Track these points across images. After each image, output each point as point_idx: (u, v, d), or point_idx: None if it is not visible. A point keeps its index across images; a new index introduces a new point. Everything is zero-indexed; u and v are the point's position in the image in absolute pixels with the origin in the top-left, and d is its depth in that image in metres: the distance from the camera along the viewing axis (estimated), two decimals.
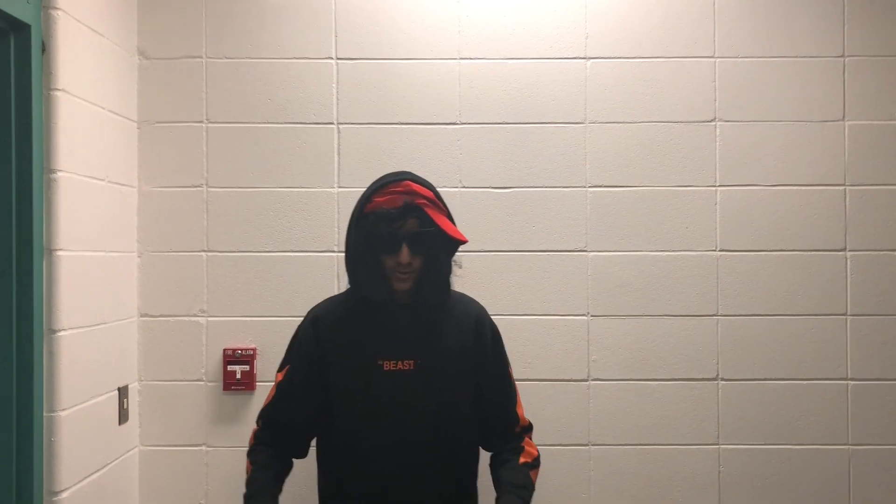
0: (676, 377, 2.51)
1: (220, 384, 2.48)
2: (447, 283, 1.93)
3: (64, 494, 1.99)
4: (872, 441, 2.50)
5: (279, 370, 1.97)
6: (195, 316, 2.49)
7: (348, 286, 1.94)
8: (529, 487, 1.88)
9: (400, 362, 1.86)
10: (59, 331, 1.98)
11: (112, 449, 2.29)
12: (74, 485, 2.04)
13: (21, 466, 1.90)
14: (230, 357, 2.47)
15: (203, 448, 2.48)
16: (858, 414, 2.50)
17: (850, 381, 2.50)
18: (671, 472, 2.50)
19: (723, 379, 2.50)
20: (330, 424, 1.91)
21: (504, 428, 1.97)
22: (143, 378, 2.48)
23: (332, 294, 2.45)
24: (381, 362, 1.86)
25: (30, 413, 1.91)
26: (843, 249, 2.51)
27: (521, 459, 1.92)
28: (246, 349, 2.48)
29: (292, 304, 2.50)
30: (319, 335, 1.92)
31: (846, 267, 2.51)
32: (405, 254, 1.80)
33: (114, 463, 2.29)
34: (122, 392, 2.35)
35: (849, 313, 2.50)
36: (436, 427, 1.85)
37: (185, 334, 2.49)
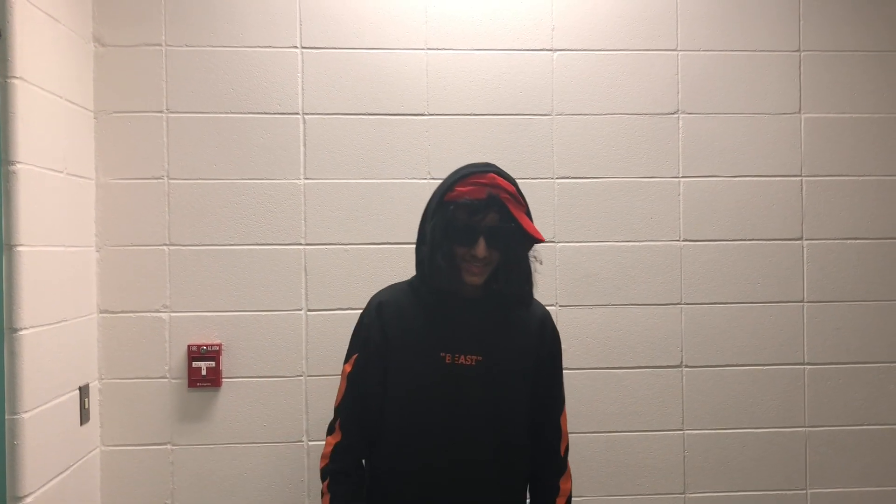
0: (642, 365, 2.55)
1: (185, 381, 2.42)
2: (531, 282, 1.88)
3: (28, 499, 1.92)
4: (827, 422, 2.59)
5: (346, 361, 1.89)
6: (157, 312, 2.42)
7: (414, 274, 1.89)
8: None
9: (463, 357, 1.81)
10: (21, 329, 1.90)
11: (74, 450, 2.21)
12: (38, 489, 1.97)
13: None
14: (195, 353, 2.41)
15: (168, 447, 2.42)
16: (814, 397, 2.59)
17: (806, 366, 2.59)
18: (638, 458, 2.55)
19: (687, 366, 2.56)
20: (386, 409, 1.84)
21: (548, 440, 1.93)
22: (104, 376, 2.40)
23: (302, 286, 2.44)
24: (443, 355, 1.80)
25: None
26: (801, 238, 2.59)
27: (559, 500, 1.91)
28: (211, 345, 2.42)
29: (258, 299, 2.45)
30: (384, 321, 1.85)
31: (803, 255, 2.59)
32: (482, 247, 1.75)
33: (76, 465, 2.21)
34: (84, 391, 2.27)
35: (805, 300, 2.59)
36: (492, 424, 1.81)
37: (147, 331, 2.42)
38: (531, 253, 1.88)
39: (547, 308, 1.99)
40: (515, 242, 1.80)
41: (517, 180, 2.42)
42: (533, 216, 2.46)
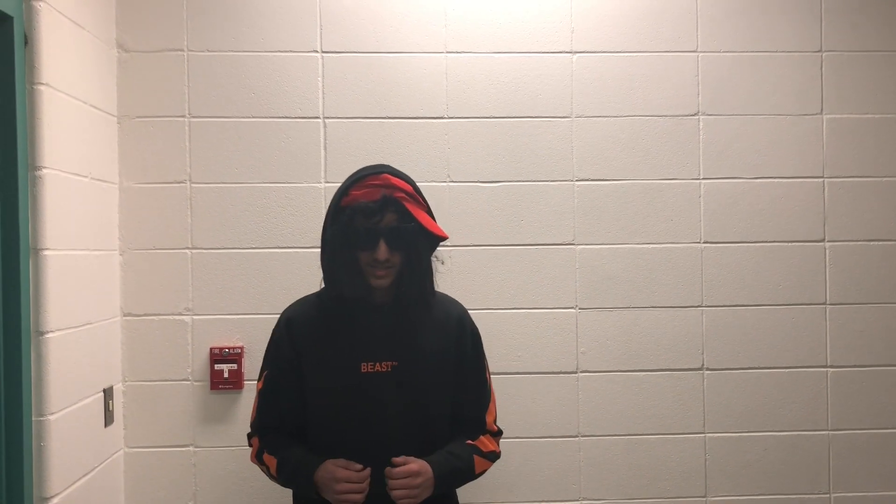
0: (663, 368, 2.54)
1: (207, 383, 2.44)
2: (429, 281, 1.88)
3: (54, 500, 1.93)
4: (851, 426, 2.57)
5: (258, 378, 1.93)
6: (180, 314, 2.45)
7: (322, 285, 1.90)
8: (463, 459, 1.85)
9: (378, 364, 1.81)
10: (47, 332, 1.93)
11: (98, 452, 2.24)
12: (64, 490, 1.99)
13: (11, 472, 1.84)
14: (217, 356, 2.43)
15: (191, 448, 2.44)
16: (837, 400, 2.57)
17: (829, 369, 2.57)
18: (659, 461, 2.54)
19: (708, 369, 2.55)
20: (305, 426, 1.87)
21: (471, 432, 1.92)
22: (127, 379, 2.43)
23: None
24: (359, 364, 1.81)
25: (19, 418, 1.85)
26: (823, 240, 2.57)
27: (469, 441, 1.88)
28: (233, 348, 2.44)
29: (280, 302, 2.43)
30: (294, 337, 1.87)
31: (825, 257, 2.57)
32: (383, 250, 1.75)
33: (101, 466, 2.24)
34: (108, 393, 2.29)
35: (828, 302, 2.57)
36: (415, 428, 1.82)
37: (170, 333, 2.44)
38: (434, 254, 1.88)
39: (463, 305, 1.99)
40: (417, 242, 1.79)
41: (537, 182, 2.45)
42: (552, 219, 2.50)
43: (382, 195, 1.76)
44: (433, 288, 1.91)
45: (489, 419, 1.95)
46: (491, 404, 1.97)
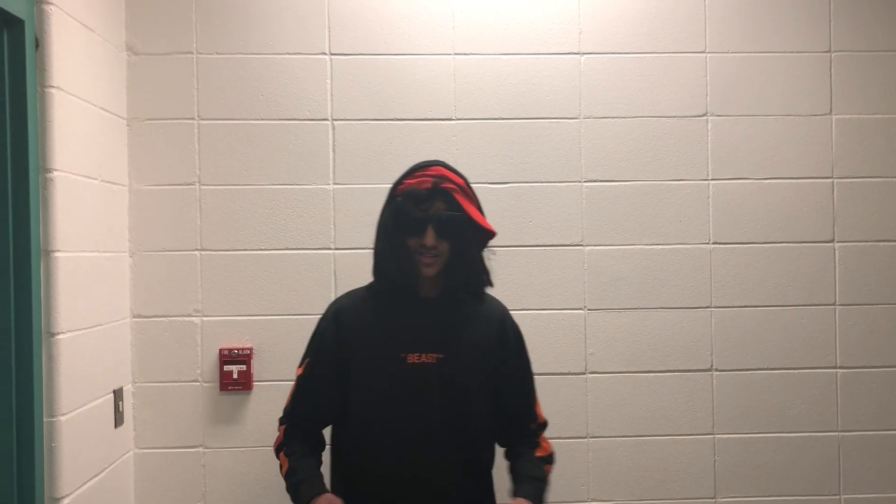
0: (672, 369, 2.54)
1: (217, 384, 2.45)
2: (480, 274, 1.92)
3: (65, 501, 1.94)
4: (861, 427, 2.56)
5: (299, 365, 1.94)
6: (189, 316, 2.45)
7: (372, 278, 1.93)
8: (544, 480, 1.90)
9: (423, 355, 1.84)
10: (58, 334, 1.94)
11: (109, 453, 2.25)
12: (75, 490, 2.00)
13: (22, 473, 1.85)
14: (226, 357, 2.44)
15: (200, 449, 2.45)
16: (847, 401, 2.56)
17: (839, 370, 2.56)
18: (668, 462, 2.53)
19: (717, 370, 2.54)
20: (348, 417, 1.89)
21: (522, 425, 1.98)
22: (137, 380, 2.43)
23: (332, 291, 2.46)
24: (403, 355, 1.84)
25: (30, 418, 1.85)
26: (832, 241, 2.56)
27: (538, 453, 1.93)
28: (242, 349, 2.45)
29: (289, 303, 2.47)
30: (342, 328, 1.89)
31: (835, 258, 2.56)
32: (431, 236, 1.79)
33: (111, 467, 2.25)
34: (118, 394, 2.30)
35: (837, 303, 2.56)
36: (455, 422, 1.84)
37: (179, 335, 2.45)
38: (486, 250, 1.92)
39: (505, 305, 2.02)
40: (465, 232, 1.82)
41: (545, 183, 2.45)
42: (560, 220, 2.50)
43: (433, 183, 1.81)
44: (487, 281, 1.94)
45: (539, 410, 2.00)
46: (536, 397, 2.02)
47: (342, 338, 1.89)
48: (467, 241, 1.84)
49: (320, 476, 1.84)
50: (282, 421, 1.96)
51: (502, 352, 1.94)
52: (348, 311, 1.93)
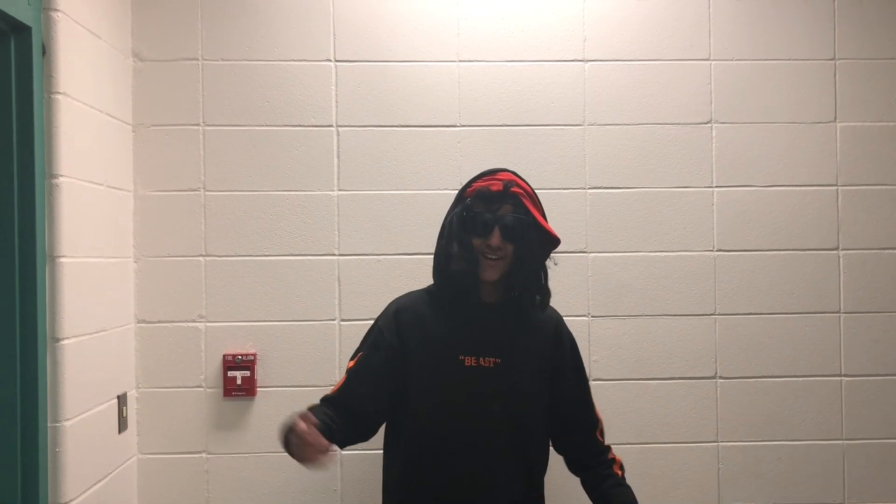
0: (676, 376, 2.53)
1: (221, 390, 2.45)
2: (542, 282, 1.91)
3: None
4: (865, 435, 2.55)
5: (351, 358, 1.93)
6: (193, 321, 2.46)
7: (431, 280, 1.94)
8: (633, 497, 1.94)
9: (482, 359, 1.84)
10: (63, 339, 1.94)
11: (112, 458, 2.25)
12: (79, 496, 2.00)
13: (26, 478, 1.86)
14: (230, 363, 2.44)
15: (203, 455, 2.45)
16: (852, 409, 2.55)
17: (843, 378, 2.55)
18: (672, 470, 2.53)
19: (721, 377, 2.54)
20: (403, 418, 1.88)
21: (586, 431, 1.99)
22: (141, 385, 2.44)
23: (336, 297, 2.46)
24: (461, 358, 1.84)
25: (34, 424, 1.86)
26: (836, 248, 2.56)
27: (617, 470, 1.97)
28: (246, 354, 2.45)
29: (292, 309, 2.47)
30: (401, 326, 1.89)
31: (839, 265, 2.56)
32: (497, 237, 1.80)
33: (114, 472, 2.25)
34: (122, 400, 2.31)
35: (842, 311, 2.56)
36: (512, 427, 1.85)
37: (183, 340, 2.45)
38: (549, 259, 1.93)
39: (559, 313, 2.04)
40: (530, 237, 1.83)
41: (549, 190, 2.46)
42: (564, 227, 2.50)
43: (504, 185, 1.83)
44: (548, 290, 1.93)
45: (597, 411, 2.02)
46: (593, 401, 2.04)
47: (401, 336, 1.88)
48: (532, 246, 1.84)
49: (322, 417, 1.74)
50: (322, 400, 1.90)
51: (558, 359, 1.95)
52: (407, 309, 1.92)
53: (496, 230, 1.80)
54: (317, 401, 1.89)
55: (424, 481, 1.85)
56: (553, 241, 1.90)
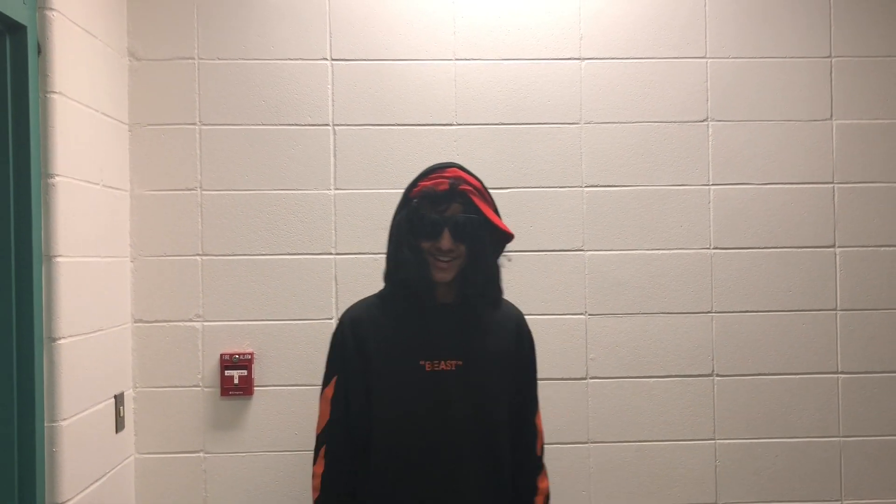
0: (673, 374, 2.54)
1: (218, 389, 2.45)
2: (496, 280, 1.87)
3: None
4: (862, 432, 2.56)
5: (325, 384, 1.86)
6: (190, 321, 2.46)
7: (384, 285, 1.89)
8: None
9: (442, 363, 1.79)
10: (60, 339, 1.94)
11: (109, 458, 2.25)
12: (76, 495, 2.00)
13: (23, 478, 1.85)
14: (227, 362, 2.44)
15: (201, 455, 2.45)
16: (848, 406, 2.56)
17: (840, 375, 2.56)
18: (669, 468, 2.53)
19: (718, 375, 2.54)
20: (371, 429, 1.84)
21: (526, 440, 1.91)
22: (138, 385, 2.44)
23: (332, 295, 2.46)
24: (422, 363, 1.79)
25: (31, 423, 1.86)
26: (833, 246, 2.56)
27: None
28: (243, 353, 2.45)
29: (289, 308, 2.47)
30: (359, 338, 1.83)
31: (835, 263, 2.56)
32: (447, 239, 1.75)
33: (112, 472, 2.25)
34: (119, 399, 2.30)
35: (838, 308, 2.56)
36: (478, 430, 1.80)
37: (180, 339, 2.45)
38: (503, 254, 1.88)
39: (520, 310, 1.98)
40: (482, 235, 1.78)
41: (546, 188, 2.46)
42: (561, 225, 2.50)
43: (451, 185, 1.77)
44: (500, 287, 1.90)
45: (539, 422, 1.95)
46: (538, 408, 1.97)
47: (362, 347, 1.82)
48: (484, 244, 1.80)
49: None
50: (319, 444, 1.84)
51: (518, 358, 1.90)
52: (363, 321, 1.86)
53: (446, 232, 1.75)
54: (316, 400, 1.87)
55: (393, 488, 1.80)
56: (505, 237, 1.85)
